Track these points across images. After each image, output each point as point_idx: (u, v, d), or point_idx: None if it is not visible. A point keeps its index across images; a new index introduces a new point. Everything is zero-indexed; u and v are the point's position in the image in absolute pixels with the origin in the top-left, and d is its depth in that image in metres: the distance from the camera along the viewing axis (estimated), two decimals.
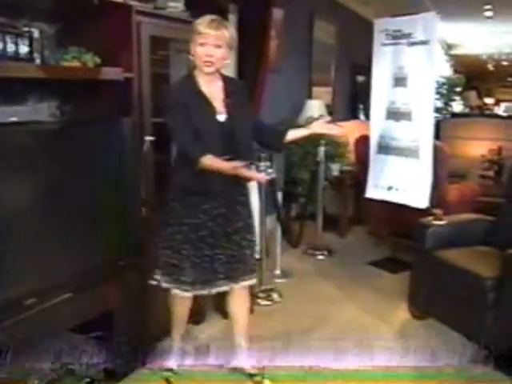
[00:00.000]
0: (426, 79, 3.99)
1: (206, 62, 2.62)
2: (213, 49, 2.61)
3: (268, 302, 4.00)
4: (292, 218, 5.55)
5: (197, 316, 3.62)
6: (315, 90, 6.62)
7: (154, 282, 2.86)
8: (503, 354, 3.07)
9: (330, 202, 5.49)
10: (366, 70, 4.82)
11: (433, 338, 3.48)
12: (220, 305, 3.74)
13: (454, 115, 10.85)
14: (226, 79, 2.81)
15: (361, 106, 8.22)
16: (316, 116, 5.51)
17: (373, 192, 4.29)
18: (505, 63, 21.08)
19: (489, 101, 21.02)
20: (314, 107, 5.72)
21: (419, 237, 3.75)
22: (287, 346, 3.28)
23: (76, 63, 2.67)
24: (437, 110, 10.60)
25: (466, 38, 13.87)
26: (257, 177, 3.05)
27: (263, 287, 4.09)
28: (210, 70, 2.65)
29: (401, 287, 4.15)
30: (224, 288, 2.89)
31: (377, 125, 4.30)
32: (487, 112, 15.88)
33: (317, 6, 6.53)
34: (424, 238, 3.71)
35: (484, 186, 5.74)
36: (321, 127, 3.06)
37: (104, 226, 2.72)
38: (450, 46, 15.12)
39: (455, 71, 16.82)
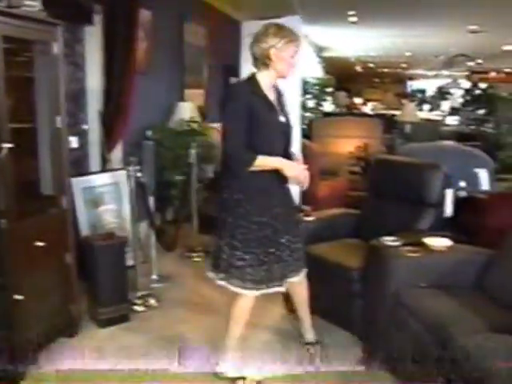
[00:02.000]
0: (292, 81, 4.10)
1: (291, 69, 2.85)
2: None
3: (145, 308, 3.92)
4: (168, 222, 5.49)
5: (70, 328, 3.48)
6: (187, 92, 6.60)
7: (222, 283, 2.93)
8: (370, 340, 3.24)
9: (205, 204, 5.49)
10: (239, 72, 4.87)
11: None
12: (96, 314, 3.64)
13: (326, 114, 11.30)
14: (274, 85, 2.97)
15: None
16: (187, 118, 5.52)
17: None
18: (371, 65, 22.29)
19: (358, 100, 22.11)
20: (186, 109, 5.71)
21: None
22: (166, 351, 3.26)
23: None
24: (309, 109, 10.96)
25: (336, 42, 14.49)
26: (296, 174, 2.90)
27: (139, 293, 4.01)
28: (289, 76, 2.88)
29: None
30: (292, 280, 3.06)
31: None
32: (356, 111, 16.69)
33: (187, 9, 6.52)
34: None
35: (352, 181, 6.01)
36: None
37: None
38: (321, 49, 15.72)
39: (327, 72, 17.53)
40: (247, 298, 2.95)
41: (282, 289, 3.01)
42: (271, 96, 2.90)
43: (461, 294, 2.89)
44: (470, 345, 2.31)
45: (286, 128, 2.97)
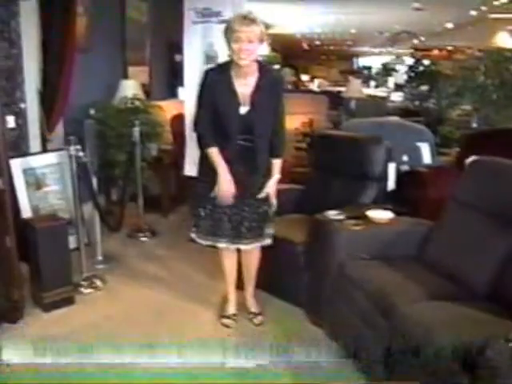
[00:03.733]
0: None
1: (241, 56, 2.92)
2: (246, 44, 2.91)
3: (91, 290, 3.86)
4: (112, 202, 5.40)
5: (13, 313, 3.40)
6: (131, 69, 6.46)
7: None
8: (315, 310, 3.31)
9: (151, 183, 5.42)
10: (183, 48, 4.80)
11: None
12: (39, 298, 3.56)
13: None
14: (262, 71, 3.09)
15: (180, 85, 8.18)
16: (130, 96, 5.41)
17: (191, 169, 4.32)
18: (317, 42, 22.38)
19: (305, 77, 22.18)
20: (129, 87, 5.60)
21: None
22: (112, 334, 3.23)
23: None
24: None
25: (282, 18, 14.43)
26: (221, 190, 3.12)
27: (85, 275, 3.94)
28: (246, 62, 2.95)
29: None
30: (243, 247, 3.28)
31: (191, 103, 4.31)
32: (302, 88, 16.73)
33: None
34: None
35: (298, 157, 6.03)
36: None
37: None
38: (266, 26, 15.65)
39: (273, 49, 17.49)
40: (220, 251, 3.36)
41: (230, 247, 3.27)
42: (245, 86, 3.03)
43: (402, 265, 2.96)
44: (410, 313, 2.37)
45: (246, 120, 3.04)
